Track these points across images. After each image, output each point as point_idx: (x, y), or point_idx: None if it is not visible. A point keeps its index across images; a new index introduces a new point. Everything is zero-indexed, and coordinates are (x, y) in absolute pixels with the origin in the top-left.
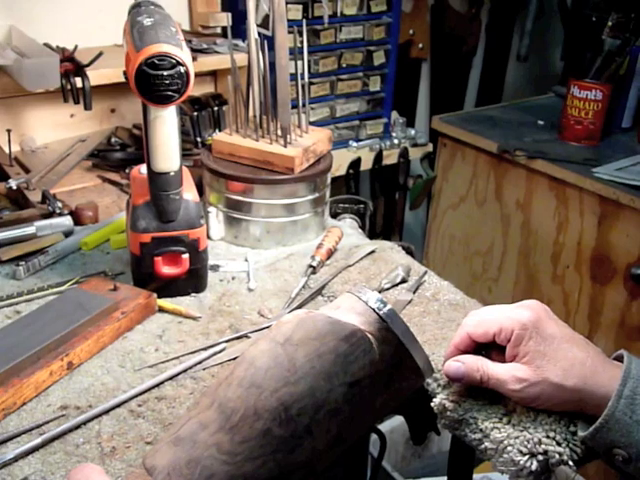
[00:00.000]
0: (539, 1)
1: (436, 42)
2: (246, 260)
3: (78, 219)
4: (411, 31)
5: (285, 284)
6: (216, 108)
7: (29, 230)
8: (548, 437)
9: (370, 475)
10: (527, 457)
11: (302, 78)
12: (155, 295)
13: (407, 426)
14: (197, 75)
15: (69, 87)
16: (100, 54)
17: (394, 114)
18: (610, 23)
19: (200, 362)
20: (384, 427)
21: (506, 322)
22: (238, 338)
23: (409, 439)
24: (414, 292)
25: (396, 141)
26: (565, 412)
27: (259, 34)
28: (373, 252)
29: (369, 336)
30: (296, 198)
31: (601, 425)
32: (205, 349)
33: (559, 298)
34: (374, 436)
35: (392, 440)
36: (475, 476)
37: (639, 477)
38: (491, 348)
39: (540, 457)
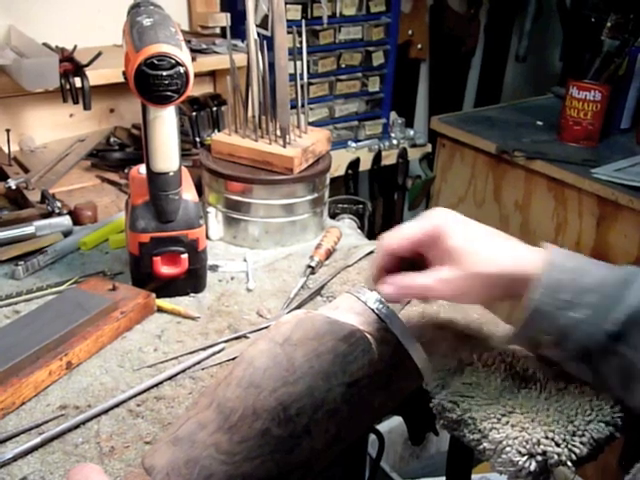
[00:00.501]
0: (538, 2)
1: (435, 43)
2: (245, 260)
3: (77, 219)
4: (410, 32)
5: (284, 284)
6: (215, 108)
7: (28, 230)
8: (547, 437)
9: (368, 475)
10: (526, 457)
11: (301, 78)
12: (154, 295)
13: (405, 426)
14: (196, 75)
15: (68, 87)
16: (99, 54)
17: (393, 114)
18: (609, 24)
19: (199, 362)
20: (382, 427)
21: (420, 230)
22: (237, 338)
23: (407, 439)
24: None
25: (395, 141)
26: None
27: (258, 34)
28: (372, 252)
29: (368, 336)
30: (295, 198)
31: (531, 317)
32: (204, 349)
33: None
34: (372, 436)
35: (390, 440)
36: (473, 476)
37: (569, 359)
38: (415, 264)
39: (539, 457)
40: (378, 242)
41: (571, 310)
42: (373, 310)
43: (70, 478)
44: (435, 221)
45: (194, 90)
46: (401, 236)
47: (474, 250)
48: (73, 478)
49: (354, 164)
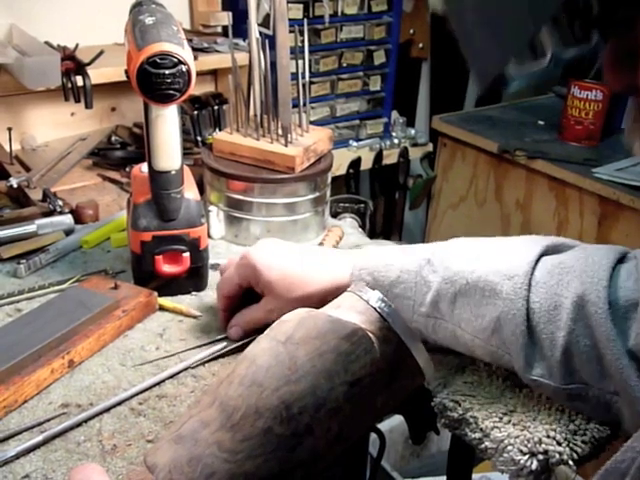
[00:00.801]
0: None
1: (436, 42)
2: None
3: (79, 217)
4: (411, 31)
5: None
6: (216, 107)
7: (30, 228)
8: (548, 437)
9: (369, 474)
10: (527, 456)
11: (303, 77)
12: (156, 294)
13: (406, 425)
14: (197, 74)
15: (70, 86)
16: (101, 53)
17: (394, 114)
18: None
19: (201, 360)
20: (383, 426)
21: (239, 278)
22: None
23: (408, 438)
24: None
25: (396, 141)
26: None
27: (260, 33)
28: None
29: (370, 335)
30: (296, 197)
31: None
32: (206, 345)
33: None
34: (373, 435)
35: (391, 439)
36: (474, 476)
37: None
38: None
39: (540, 457)
40: (217, 288)
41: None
42: (375, 309)
43: (71, 478)
44: (251, 262)
45: (195, 89)
46: (229, 285)
47: (288, 279)
48: (74, 478)
49: (355, 163)
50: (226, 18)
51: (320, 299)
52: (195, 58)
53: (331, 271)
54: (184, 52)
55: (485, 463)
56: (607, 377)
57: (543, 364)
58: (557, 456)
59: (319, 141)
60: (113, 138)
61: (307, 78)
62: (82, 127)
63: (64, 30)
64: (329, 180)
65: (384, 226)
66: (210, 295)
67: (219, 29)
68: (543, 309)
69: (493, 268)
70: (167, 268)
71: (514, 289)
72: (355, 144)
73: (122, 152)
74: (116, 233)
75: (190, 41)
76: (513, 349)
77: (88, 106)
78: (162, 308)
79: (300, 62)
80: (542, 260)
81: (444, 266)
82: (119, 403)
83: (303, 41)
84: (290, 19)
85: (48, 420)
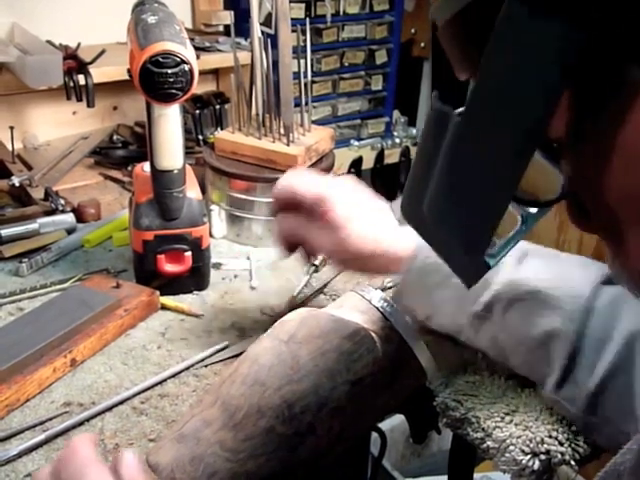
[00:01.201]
0: None
1: (438, 41)
2: (248, 258)
3: (80, 216)
4: (413, 30)
5: (287, 282)
6: (218, 106)
7: (32, 227)
8: (550, 437)
9: (370, 474)
10: (529, 456)
11: (305, 77)
12: (158, 293)
13: (407, 425)
14: (199, 73)
15: (72, 84)
16: (103, 52)
17: (396, 113)
18: None
19: (203, 360)
20: (384, 426)
21: (317, 189)
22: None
23: (409, 438)
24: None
25: (397, 140)
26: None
27: (262, 32)
28: None
29: (372, 335)
30: None
31: (404, 291)
32: (209, 345)
33: None
34: (374, 435)
35: (392, 439)
36: (475, 475)
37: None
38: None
39: (542, 457)
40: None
41: (439, 289)
42: (377, 309)
43: (62, 469)
44: (330, 188)
45: (197, 88)
46: (306, 183)
47: (352, 225)
48: (66, 470)
49: (357, 162)
50: (228, 17)
51: (376, 262)
52: (197, 57)
53: (396, 239)
54: (187, 51)
55: (486, 463)
56: (634, 419)
57: (573, 389)
58: (559, 456)
59: (321, 140)
60: (115, 137)
61: (309, 77)
62: (84, 126)
63: (66, 29)
64: None
65: None
66: (212, 294)
67: (221, 28)
68: (594, 337)
69: (556, 283)
70: (169, 267)
71: (574, 309)
72: (356, 143)
73: (124, 151)
74: (118, 232)
75: (192, 40)
76: (553, 366)
77: (90, 105)
78: (164, 307)
79: (302, 61)
80: (604, 289)
81: (507, 270)
82: (121, 402)
83: (305, 40)
84: (292, 18)
85: (50, 419)
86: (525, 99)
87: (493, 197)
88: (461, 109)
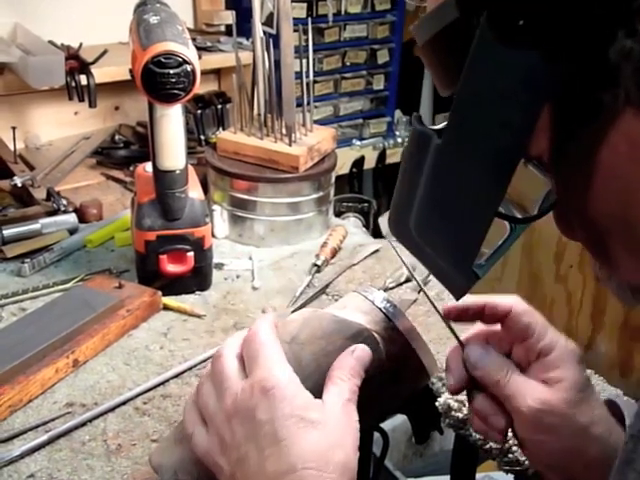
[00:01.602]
0: None
1: None
2: (250, 258)
3: (82, 216)
4: None
5: (289, 283)
6: (220, 106)
7: (34, 227)
8: None
9: (372, 474)
10: None
11: (307, 76)
12: (160, 293)
13: (410, 425)
14: (201, 73)
15: (74, 85)
16: (105, 52)
17: (397, 113)
18: None
19: (205, 360)
20: (386, 426)
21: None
22: None
23: (411, 438)
24: (419, 292)
25: (399, 140)
26: None
27: (264, 32)
28: (377, 251)
29: (375, 335)
30: (300, 197)
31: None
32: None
33: (562, 297)
34: (377, 435)
35: (394, 439)
36: (477, 475)
37: None
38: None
39: None
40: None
41: None
42: (380, 309)
43: (245, 346)
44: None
45: (199, 88)
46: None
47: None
48: (249, 346)
49: (359, 162)
50: (230, 17)
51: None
52: (199, 57)
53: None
54: (189, 52)
55: (488, 463)
56: None
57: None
58: None
59: (323, 140)
60: (117, 137)
61: (311, 77)
62: (86, 126)
63: (68, 29)
64: (333, 179)
65: None
66: (214, 295)
67: (223, 28)
68: None
69: None
70: (171, 267)
71: None
72: (358, 143)
73: (125, 151)
74: (120, 232)
75: (193, 40)
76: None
77: (92, 105)
78: (166, 307)
79: (304, 61)
80: None
81: None
82: (124, 402)
83: (307, 40)
84: (294, 18)
85: (53, 419)
86: (502, 120)
87: (477, 214)
88: (442, 125)
